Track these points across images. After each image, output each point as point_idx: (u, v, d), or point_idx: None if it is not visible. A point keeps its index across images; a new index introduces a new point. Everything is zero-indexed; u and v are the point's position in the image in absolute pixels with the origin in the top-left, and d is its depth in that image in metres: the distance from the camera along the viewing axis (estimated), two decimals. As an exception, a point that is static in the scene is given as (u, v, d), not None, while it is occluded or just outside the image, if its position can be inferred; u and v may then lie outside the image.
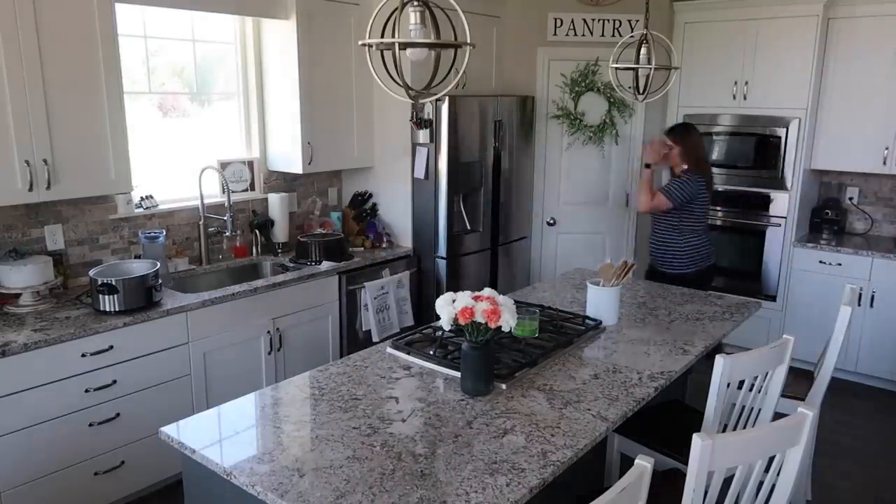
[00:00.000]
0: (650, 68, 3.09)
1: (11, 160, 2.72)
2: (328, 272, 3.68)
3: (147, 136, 3.56)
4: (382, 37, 1.87)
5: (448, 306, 2.10)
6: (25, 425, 2.61)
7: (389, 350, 2.53)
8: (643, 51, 3.10)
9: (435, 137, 4.03)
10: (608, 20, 4.71)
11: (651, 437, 2.52)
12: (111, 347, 2.80)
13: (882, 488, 3.33)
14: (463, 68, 1.95)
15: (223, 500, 1.82)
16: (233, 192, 3.80)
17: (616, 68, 3.17)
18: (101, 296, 2.86)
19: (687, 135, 3.78)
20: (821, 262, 4.48)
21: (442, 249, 4.17)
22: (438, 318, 2.14)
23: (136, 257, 3.40)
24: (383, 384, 2.25)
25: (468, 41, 1.85)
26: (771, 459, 1.77)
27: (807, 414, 1.73)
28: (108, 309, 2.87)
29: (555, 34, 4.73)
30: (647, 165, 3.76)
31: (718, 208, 4.85)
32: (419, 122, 4.04)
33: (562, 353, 2.53)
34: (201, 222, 3.67)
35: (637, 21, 4.67)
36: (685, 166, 3.73)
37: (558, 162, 4.89)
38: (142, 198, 3.50)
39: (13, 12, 2.64)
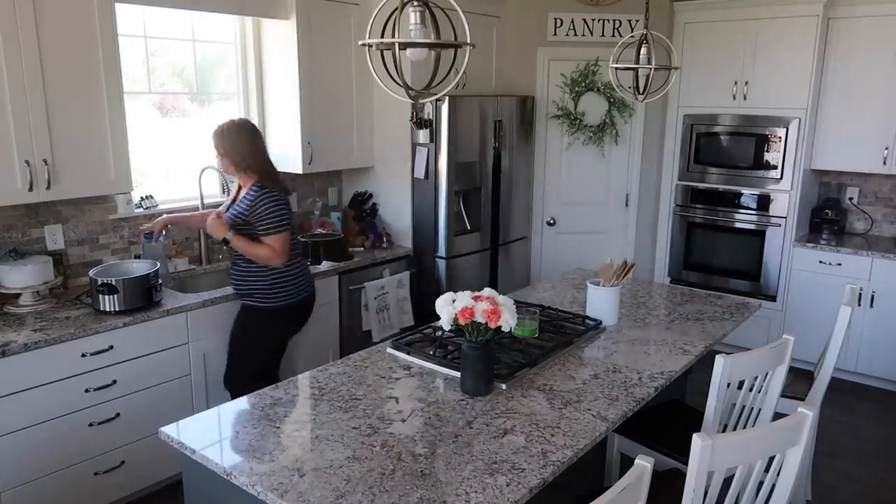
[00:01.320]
0: (650, 68, 3.09)
1: (11, 160, 2.72)
2: (328, 272, 3.68)
3: (147, 136, 3.56)
4: (382, 37, 1.87)
5: (448, 306, 2.10)
6: (25, 425, 2.61)
7: (389, 350, 2.53)
8: (643, 51, 3.10)
9: (435, 137, 4.03)
10: (608, 20, 4.71)
11: (651, 437, 2.52)
12: (111, 347, 2.80)
13: (882, 488, 3.33)
14: (463, 68, 1.95)
15: (223, 500, 1.82)
16: (233, 192, 3.79)
17: (616, 68, 3.17)
18: (101, 296, 2.86)
19: (230, 138, 2.93)
20: (821, 262, 4.48)
21: (442, 249, 4.17)
22: (438, 318, 2.14)
23: (136, 257, 3.39)
24: (383, 384, 2.25)
25: (468, 41, 1.85)
26: (771, 459, 1.77)
27: (807, 414, 1.73)
28: (108, 309, 2.87)
29: (555, 34, 4.72)
30: (226, 241, 2.92)
31: (719, 208, 4.86)
32: (419, 122, 4.04)
33: (562, 353, 2.53)
34: (201, 222, 3.67)
35: (637, 21, 4.67)
36: (251, 179, 2.94)
37: (558, 162, 4.89)
38: (142, 198, 3.50)
39: (13, 12, 2.64)
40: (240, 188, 3.04)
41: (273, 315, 3.02)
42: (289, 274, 3.00)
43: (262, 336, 3.07)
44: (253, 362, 3.09)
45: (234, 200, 3.04)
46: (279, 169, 3.98)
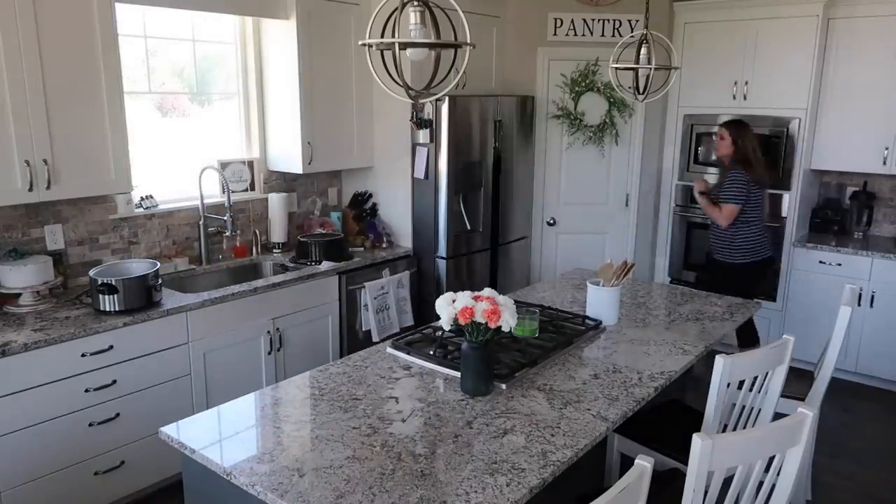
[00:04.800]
0: (650, 68, 3.09)
1: (11, 160, 2.72)
2: (328, 272, 3.68)
3: (147, 136, 3.56)
4: (382, 37, 1.87)
5: (448, 306, 2.10)
6: (25, 425, 2.61)
7: (389, 350, 2.53)
8: (643, 51, 3.10)
9: (435, 137, 4.03)
10: (608, 20, 4.71)
11: (651, 437, 2.52)
12: (111, 347, 2.80)
13: (882, 488, 3.33)
14: (463, 68, 1.95)
15: (223, 500, 1.82)
16: (233, 192, 3.80)
17: (616, 68, 3.17)
18: (101, 296, 2.86)
19: (739, 130, 3.96)
20: (821, 262, 4.48)
21: (442, 249, 4.17)
22: (438, 318, 2.14)
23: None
24: (383, 384, 2.25)
25: (468, 41, 1.85)
26: (771, 459, 1.77)
27: (807, 414, 1.73)
28: (108, 309, 2.87)
29: (555, 34, 4.72)
30: (702, 193, 4.06)
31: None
32: (419, 122, 4.04)
33: (562, 353, 2.53)
34: (201, 222, 3.67)
35: (637, 21, 4.67)
36: (730, 162, 3.96)
37: (558, 162, 4.89)
38: (142, 198, 3.50)
39: (13, 12, 2.64)
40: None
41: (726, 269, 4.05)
42: (741, 237, 3.99)
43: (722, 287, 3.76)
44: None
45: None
46: (279, 169, 4.03)
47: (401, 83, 1.89)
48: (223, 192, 3.69)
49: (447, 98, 3.92)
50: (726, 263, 4.02)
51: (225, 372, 3.25)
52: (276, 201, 3.96)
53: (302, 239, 3.83)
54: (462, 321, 2.05)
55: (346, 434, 1.91)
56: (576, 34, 4.72)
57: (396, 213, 4.30)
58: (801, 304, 4.58)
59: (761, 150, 4.05)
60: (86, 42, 2.88)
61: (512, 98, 4.49)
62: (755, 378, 2.25)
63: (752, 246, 3.96)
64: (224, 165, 3.84)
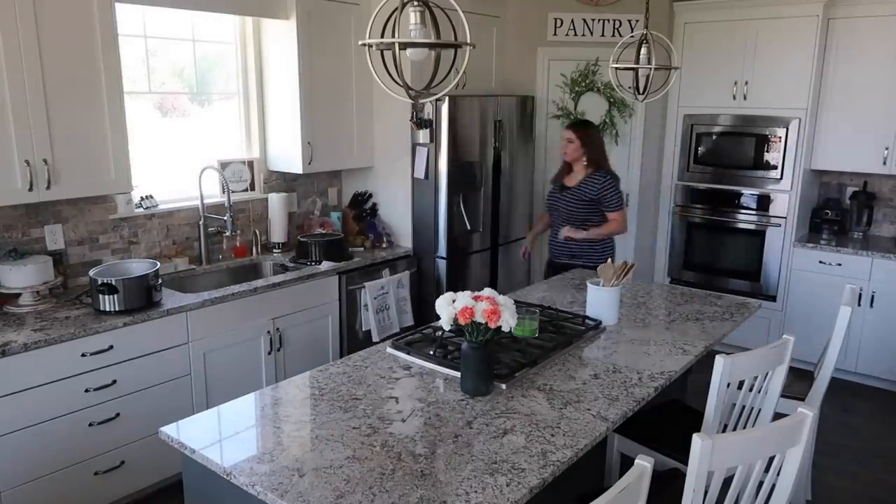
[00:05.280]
0: (650, 68, 3.09)
1: (11, 160, 2.72)
2: (328, 272, 3.68)
3: (147, 136, 3.56)
4: (382, 37, 1.87)
5: (448, 306, 2.10)
6: (25, 425, 2.61)
7: (389, 350, 2.53)
8: (643, 51, 3.10)
9: (435, 137, 4.03)
10: (608, 20, 4.71)
11: (651, 437, 2.52)
12: (111, 347, 2.80)
13: (882, 488, 3.33)
14: (463, 68, 1.95)
15: (223, 500, 1.82)
16: (233, 192, 3.80)
17: (616, 68, 3.17)
18: (101, 296, 2.86)
19: (586, 131, 3.78)
20: (821, 262, 4.48)
21: (442, 249, 4.17)
22: (438, 318, 2.14)
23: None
24: (383, 384, 2.25)
25: (468, 41, 1.85)
26: (771, 459, 1.77)
27: (807, 414, 1.73)
28: (108, 309, 2.87)
29: (555, 34, 4.72)
30: (576, 233, 3.78)
31: (719, 208, 4.85)
32: (419, 122, 4.04)
33: (562, 353, 2.53)
34: (201, 222, 3.67)
35: (637, 21, 4.67)
36: (591, 168, 3.74)
37: (558, 162, 4.86)
38: (142, 198, 3.50)
39: (13, 12, 2.64)
40: (568, 173, 3.85)
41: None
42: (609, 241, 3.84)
43: None
44: None
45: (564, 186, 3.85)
46: (279, 169, 4.02)
47: (401, 83, 1.89)
48: (223, 192, 3.69)
49: (447, 98, 3.92)
50: (589, 267, 3.72)
51: (225, 372, 3.25)
52: (276, 201, 3.96)
53: (302, 239, 3.83)
54: (462, 321, 2.05)
55: (346, 434, 1.91)
56: (576, 34, 4.72)
57: (396, 213, 4.30)
58: (801, 304, 4.58)
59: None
60: (86, 42, 2.88)
61: (512, 98, 4.49)
62: (755, 378, 2.25)
63: (610, 246, 3.85)
64: (224, 165, 3.84)
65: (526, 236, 4.46)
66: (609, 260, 2.91)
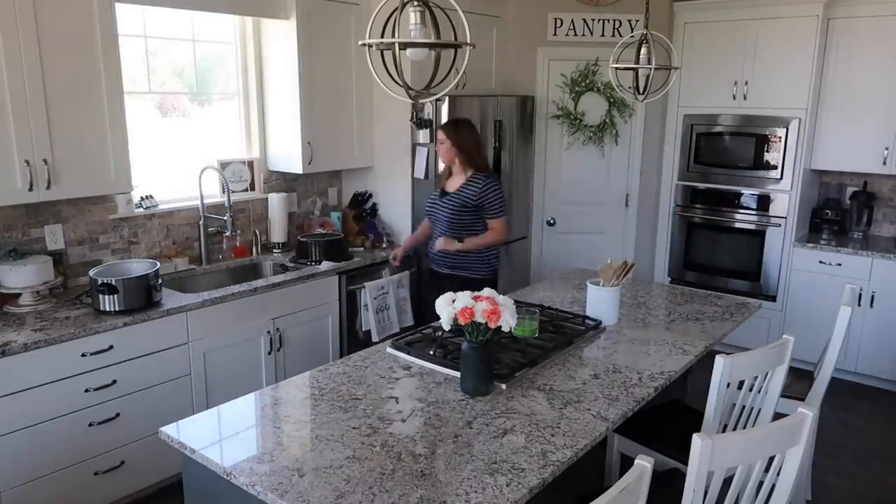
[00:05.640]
0: (650, 68, 3.09)
1: (11, 160, 2.72)
2: (328, 272, 3.68)
3: (147, 136, 3.56)
4: (382, 37, 1.87)
5: (448, 306, 2.10)
6: (25, 425, 2.61)
7: (389, 350, 2.53)
8: (643, 51, 3.10)
9: (435, 137, 4.03)
10: (608, 20, 4.71)
11: (651, 437, 2.52)
12: (111, 347, 2.80)
13: (882, 488, 3.33)
14: (463, 68, 1.95)
15: (223, 500, 1.82)
16: (233, 192, 3.80)
17: (616, 68, 3.17)
18: (101, 296, 2.86)
19: (458, 131, 3.43)
20: (821, 262, 4.48)
21: (442, 249, 4.16)
22: (438, 318, 2.14)
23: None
24: (383, 384, 2.25)
25: (468, 41, 1.85)
26: (771, 459, 1.77)
27: (807, 414, 1.73)
28: (108, 309, 2.87)
29: (555, 34, 4.72)
30: (454, 246, 3.44)
31: (719, 208, 4.86)
32: (419, 122, 4.04)
33: (562, 353, 2.53)
34: (201, 222, 3.67)
35: (637, 21, 4.67)
36: (471, 170, 3.41)
37: (558, 162, 4.89)
38: (142, 198, 3.50)
39: (13, 12, 2.64)
40: (449, 177, 3.52)
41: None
42: (494, 251, 3.51)
43: None
44: None
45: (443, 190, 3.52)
46: (279, 169, 4.02)
47: (401, 83, 1.89)
48: (223, 192, 3.69)
49: (447, 98, 3.92)
50: (474, 279, 3.42)
51: (225, 372, 3.25)
52: (276, 201, 3.96)
53: (302, 239, 3.82)
54: (462, 321, 2.05)
55: (346, 434, 1.91)
56: (576, 34, 4.72)
57: (396, 213, 4.30)
58: (801, 304, 4.58)
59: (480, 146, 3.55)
60: (86, 42, 2.88)
61: (512, 98, 4.49)
62: (755, 378, 2.25)
63: (495, 256, 3.50)
64: (224, 165, 3.84)
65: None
66: (609, 260, 2.91)
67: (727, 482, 1.73)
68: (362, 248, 4.12)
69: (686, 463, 1.63)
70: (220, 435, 1.92)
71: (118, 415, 2.87)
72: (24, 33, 2.68)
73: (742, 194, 4.74)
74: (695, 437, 1.57)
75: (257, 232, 3.95)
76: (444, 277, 3.51)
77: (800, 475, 2.37)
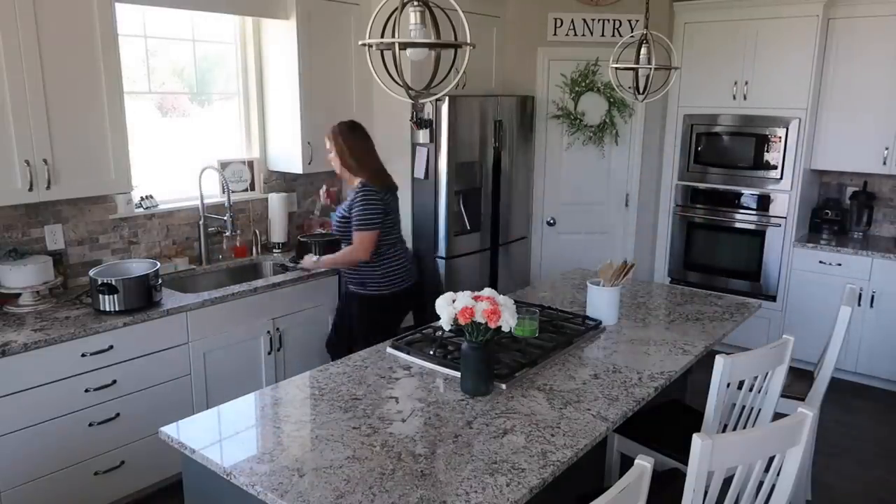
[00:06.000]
0: (650, 68, 3.09)
1: (11, 160, 2.72)
2: (328, 272, 3.67)
3: (147, 136, 3.56)
4: (382, 37, 1.87)
5: (448, 306, 2.10)
6: (25, 425, 2.61)
7: (389, 350, 2.53)
8: (643, 51, 3.09)
9: (435, 137, 4.03)
10: (608, 20, 4.71)
11: (651, 437, 2.52)
12: (111, 347, 2.80)
13: (882, 488, 3.33)
14: (463, 68, 1.95)
15: (223, 500, 1.83)
16: (233, 192, 3.80)
17: (616, 68, 3.17)
18: (101, 296, 2.86)
19: (341, 134, 3.21)
20: (821, 262, 4.48)
21: (442, 249, 4.17)
22: (438, 318, 2.14)
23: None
24: (383, 384, 2.25)
25: (468, 41, 1.85)
26: (771, 459, 1.77)
27: (807, 414, 1.73)
28: (108, 309, 2.87)
29: (555, 34, 4.72)
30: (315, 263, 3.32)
31: (719, 208, 4.86)
32: (419, 122, 4.04)
33: (562, 353, 2.53)
34: (201, 222, 3.67)
35: (637, 21, 4.67)
36: (359, 179, 3.18)
37: (558, 162, 4.89)
38: (142, 198, 3.50)
39: (13, 12, 2.64)
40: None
41: (369, 302, 3.27)
42: (384, 266, 3.23)
43: (357, 320, 3.30)
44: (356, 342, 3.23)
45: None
46: (279, 169, 4.02)
47: (401, 83, 1.89)
48: (223, 192, 3.69)
49: (447, 98, 3.92)
50: (368, 295, 3.24)
51: (225, 372, 3.25)
52: (276, 201, 3.96)
53: (302, 239, 3.81)
54: (462, 321, 2.05)
55: (346, 434, 1.91)
56: (576, 34, 4.72)
57: (396, 213, 4.30)
58: (801, 304, 4.58)
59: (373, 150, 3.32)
60: (86, 42, 2.88)
61: (512, 98, 4.49)
62: (755, 378, 2.25)
63: (397, 271, 3.22)
64: (224, 165, 3.84)
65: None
66: (609, 260, 2.91)
67: (727, 482, 1.73)
68: (362, 248, 4.12)
69: (686, 463, 1.63)
70: (220, 435, 1.92)
71: (118, 415, 2.88)
72: (24, 33, 2.68)
73: (742, 194, 4.74)
74: (695, 437, 1.57)
75: (257, 232, 3.95)
76: (348, 294, 3.37)
77: (800, 475, 2.37)
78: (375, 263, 3.19)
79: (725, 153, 4.77)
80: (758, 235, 4.71)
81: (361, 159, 3.19)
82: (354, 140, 3.21)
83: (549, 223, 4.97)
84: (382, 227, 3.14)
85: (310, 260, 3.34)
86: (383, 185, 3.18)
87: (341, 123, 3.27)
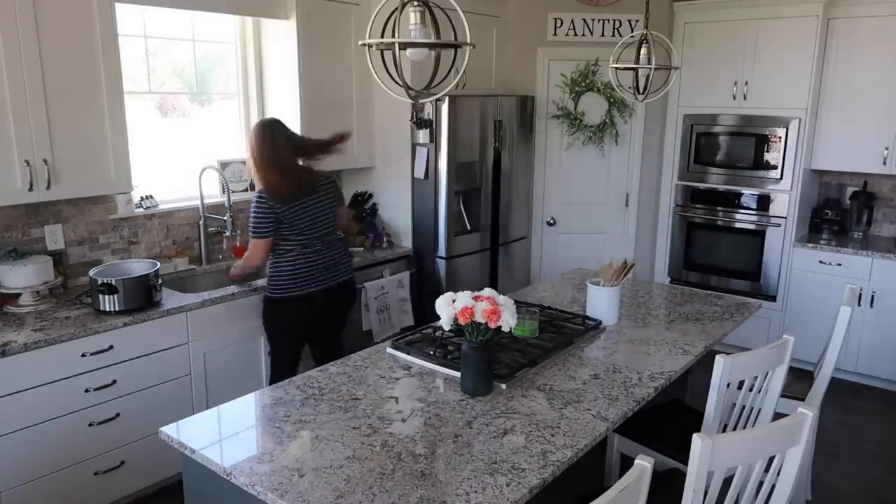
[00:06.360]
0: (650, 68, 3.09)
1: (11, 160, 2.72)
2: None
3: (147, 136, 3.56)
4: (382, 37, 1.87)
5: (448, 306, 2.10)
6: (25, 425, 2.61)
7: (389, 350, 2.53)
8: (643, 51, 3.09)
9: (435, 137, 4.03)
10: (608, 20, 4.71)
11: (651, 437, 2.52)
12: (111, 347, 2.80)
13: (882, 488, 3.33)
14: (463, 68, 1.95)
15: (223, 500, 1.83)
16: (233, 191, 3.79)
17: (616, 68, 3.17)
18: (101, 296, 2.86)
19: (255, 135, 3.07)
20: (821, 262, 4.48)
21: (442, 249, 4.17)
22: (438, 318, 2.14)
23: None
24: (383, 384, 2.25)
25: (468, 41, 1.85)
26: (771, 459, 1.77)
27: (807, 414, 1.73)
28: (108, 309, 2.87)
29: (555, 34, 4.72)
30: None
31: (719, 208, 4.86)
32: (419, 122, 4.04)
33: (562, 353, 2.53)
34: (201, 222, 3.67)
35: (637, 21, 4.67)
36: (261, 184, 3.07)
37: (558, 162, 4.89)
38: (142, 198, 3.50)
39: (13, 12, 2.64)
40: None
41: (268, 304, 3.21)
42: (279, 271, 3.11)
43: (263, 320, 3.26)
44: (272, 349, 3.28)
45: None
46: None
47: (401, 83, 1.89)
48: (223, 192, 3.69)
49: (447, 98, 3.92)
50: (268, 297, 3.15)
51: (225, 372, 3.25)
52: (276, 201, 3.96)
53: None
54: (462, 321, 2.05)
55: (346, 434, 1.91)
56: (576, 34, 4.72)
57: (396, 214, 4.30)
58: (801, 304, 4.58)
59: (308, 149, 3.17)
60: (86, 42, 2.88)
61: (512, 98, 4.49)
62: (755, 378, 2.25)
63: (290, 277, 3.07)
64: (224, 165, 3.84)
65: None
66: (609, 260, 2.91)
67: (727, 482, 1.73)
68: (362, 248, 4.12)
69: (686, 463, 1.63)
70: (220, 435, 1.92)
71: (118, 415, 2.88)
72: (24, 33, 2.68)
73: (742, 194, 4.74)
74: (695, 437, 1.57)
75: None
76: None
77: (800, 475, 2.37)
78: (273, 268, 3.10)
79: (725, 153, 4.77)
80: (758, 235, 4.71)
81: (260, 167, 3.03)
82: (261, 144, 3.03)
83: (549, 223, 4.97)
84: (277, 235, 3.04)
85: (233, 268, 3.27)
86: (278, 198, 2.99)
87: (259, 122, 3.15)
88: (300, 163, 3.15)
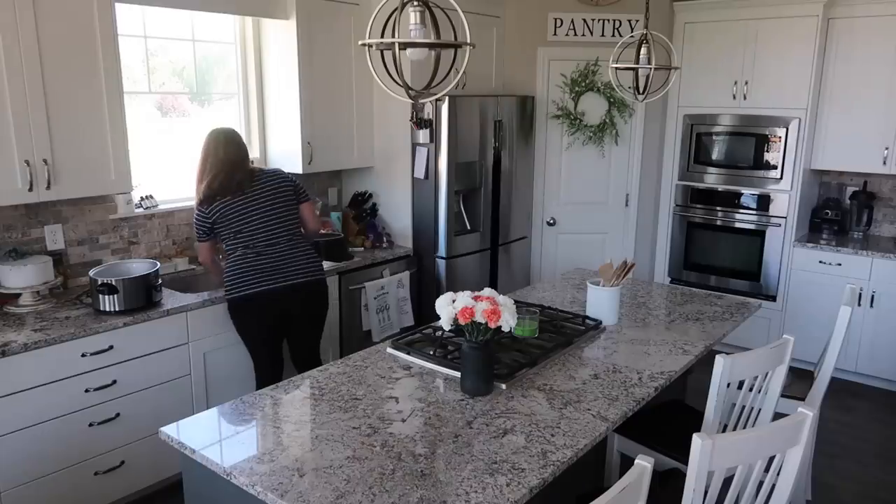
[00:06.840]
0: (650, 68, 3.09)
1: (11, 160, 2.72)
2: (328, 272, 3.67)
3: (147, 136, 3.56)
4: (382, 37, 1.87)
5: (448, 306, 2.10)
6: (25, 425, 2.61)
7: (389, 350, 2.53)
8: (643, 51, 3.09)
9: (435, 137, 4.03)
10: (608, 20, 4.71)
11: (651, 437, 2.52)
12: (111, 347, 2.80)
13: (882, 488, 3.33)
14: (463, 68, 1.95)
15: (223, 500, 1.82)
16: (233, 192, 3.79)
17: (616, 68, 3.17)
18: (101, 296, 2.86)
19: (205, 143, 3.13)
20: (821, 262, 4.48)
21: (442, 249, 4.17)
22: (438, 318, 2.14)
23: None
24: (383, 384, 2.25)
25: (468, 41, 1.85)
26: (771, 459, 1.77)
27: (807, 414, 1.73)
28: (108, 309, 2.87)
29: (555, 34, 4.72)
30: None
31: (719, 208, 4.86)
32: (419, 122, 4.04)
33: (562, 353, 2.53)
34: (201, 222, 3.67)
35: (637, 21, 4.67)
36: None
37: (558, 162, 4.89)
38: (142, 198, 3.50)
39: (13, 12, 2.64)
40: None
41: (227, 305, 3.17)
42: (227, 272, 3.10)
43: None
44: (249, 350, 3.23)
45: None
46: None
47: (401, 83, 1.89)
48: (223, 192, 3.68)
49: (447, 98, 3.92)
50: (226, 298, 3.12)
51: (225, 372, 3.25)
52: (276, 201, 3.95)
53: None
54: (462, 321, 2.05)
55: (346, 434, 1.91)
56: (576, 34, 4.73)
57: (396, 214, 4.30)
58: (801, 304, 4.58)
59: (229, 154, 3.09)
60: (86, 42, 2.88)
61: (512, 98, 4.49)
62: (755, 378, 2.25)
63: (234, 278, 3.05)
64: (224, 165, 3.83)
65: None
66: (609, 260, 2.91)
67: (727, 482, 1.73)
68: (362, 248, 4.12)
69: (686, 463, 1.63)
70: (220, 435, 1.92)
71: (118, 415, 2.88)
72: (24, 33, 2.68)
73: (742, 194, 4.75)
74: (695, 437, 1.57)
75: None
76: None
77: (800, 475, 2.37)
78: (225, 269, 3.11)
79: (725, 153, 4.77)
80: (758, 235, 4.71)
81: (200, 175, 3.10)
82: (206, 152, 3.09)
83: (549, 223, 4.97)
84: (218, 237, 3.11)
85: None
86: (200, 200, 3.08)
87: (212, 129, 3.16)
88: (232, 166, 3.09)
